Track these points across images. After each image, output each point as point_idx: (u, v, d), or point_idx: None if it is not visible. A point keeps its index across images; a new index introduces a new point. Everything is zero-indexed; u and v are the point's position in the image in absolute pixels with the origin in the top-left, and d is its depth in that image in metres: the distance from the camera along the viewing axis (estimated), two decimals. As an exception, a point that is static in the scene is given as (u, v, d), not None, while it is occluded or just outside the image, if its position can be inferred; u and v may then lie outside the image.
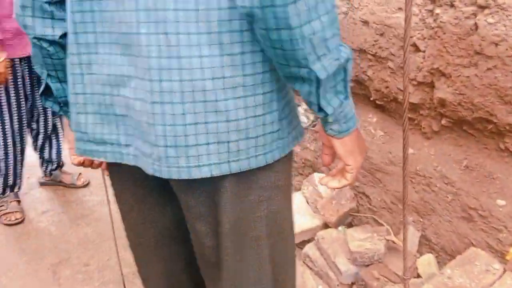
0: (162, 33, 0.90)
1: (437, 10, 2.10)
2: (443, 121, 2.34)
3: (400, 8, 2.28)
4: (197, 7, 0.88)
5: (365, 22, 2.49)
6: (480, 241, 2.15)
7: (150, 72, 0.93)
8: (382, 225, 2.66)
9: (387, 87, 2.52)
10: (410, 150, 2.47)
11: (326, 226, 2.81)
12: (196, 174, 0.98)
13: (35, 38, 1.12)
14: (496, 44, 1.93)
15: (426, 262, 2.42)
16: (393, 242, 2.48)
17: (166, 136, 0.96)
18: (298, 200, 2.99)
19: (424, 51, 2.25)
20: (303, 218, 2.87)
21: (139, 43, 0.93)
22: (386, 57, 2.44)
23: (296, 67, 0.88)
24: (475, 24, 1.97)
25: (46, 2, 1.06)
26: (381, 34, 2.42)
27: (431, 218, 2.38)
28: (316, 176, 2.96)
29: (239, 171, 1.01)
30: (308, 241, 2.81)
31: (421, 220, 2.44)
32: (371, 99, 2.71)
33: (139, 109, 0.98)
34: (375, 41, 2.47)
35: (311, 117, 3.08)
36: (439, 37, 2.15)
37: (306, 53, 0.84)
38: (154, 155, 0.99)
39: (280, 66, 0.92)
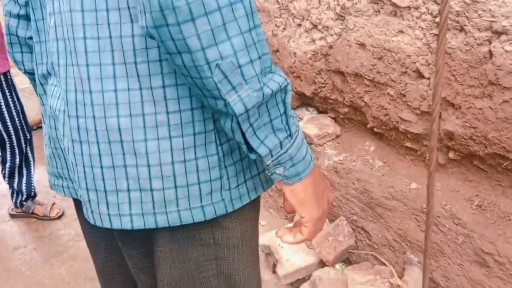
0: (75, 65, 0.81)
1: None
2: (451, 154, 2.13)
3: (401, 31, 2.06)
4: (110, 34, 0.77)
5: (361, 45, 2.26)
6: (497, 289, 1.94)
7: (68, 107, 0.84)
8: (383, 263, 2.44)
9: (386, 114, 2.30)
10: (414, 185, 2.25)
11: (322, 263, 2.58)
12: (117, 224, 0.86)
13: (26, 72, 1.09)
14: (514, 74, 1.72)
15: (435, 307, 2.20)
16: (398, 286, 2.26)
17: (86, 178, 0.86)
18: (290, 233, 2.75)
19: (428, 78, 2.03)
20: (296, 255, 2.63)
21: (60, 75, 0.86)
22: (385, 82, 2.22)
23: (211, 98, 0.74)
24: (489, 51, 1.76)
25: (29, 38, 1.02)
26: (379, 58, 2.20)
27: (439, 260, 2.16)
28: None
29: (168, 225, 0.86)
30: (303, 279, 2.58)
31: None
32: (368, 126, 2.48)
33: (66, 146, 0.91)
34: (372, 65, 2.25)
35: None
36: (446, 63, 1.93)
37: (216, 81, 0.70)
38: (82, 197, 0.90)
39: (199, 97, 0.78)
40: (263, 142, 0.78)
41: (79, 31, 0.78)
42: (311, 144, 2.75)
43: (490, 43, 1.75)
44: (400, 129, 2.26)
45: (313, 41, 2.50)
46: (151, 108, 0.80)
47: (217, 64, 0.69)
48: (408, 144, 2.30)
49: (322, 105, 2.75)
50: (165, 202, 0.84)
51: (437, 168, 2.24)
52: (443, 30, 1.22)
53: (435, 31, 1.93)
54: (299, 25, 2.55)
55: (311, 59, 2.55)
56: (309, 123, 2.77)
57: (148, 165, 0.82)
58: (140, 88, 0.79)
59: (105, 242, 1.16)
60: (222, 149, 0.86)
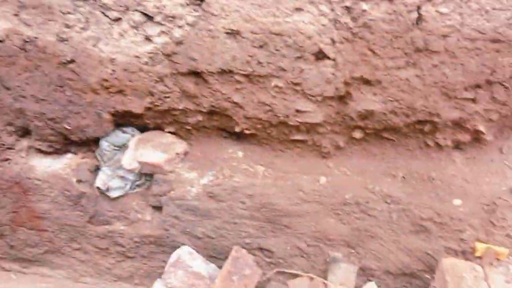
0: None
1: (364, 6, 1.60)
2: (357, 134, 1.94)
3: (298, 9, 1.65)
4: None
5: (232, 34, 1.72)
6: (439, 250, 1.96)
7: None
8: (295, 275, 2.13)
9: (269, 110, 1.88)
10: (323, 179, 1.98)
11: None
12: None
13: None
14: (445, 36, 1.63)
15: (370, 292, 2.10)
16: None
17: None
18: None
19: (334, 59, 1.73)
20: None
21: None
22: (269, 74, 1.79)
23: None
24: (419, 17, 1.60)
25: None
26: (261, 47, 1.73)
27: (369, 245, 2.02)
28: (186, 252, 2.09)
29: None
30: None
31: (354, 251, 2.06)
32: (236, 130, 2.00)
33: None
34: (250, 56, 1.76)
35: (131, 176, 2.09)
36: (362, 38, 1.67)
37: None
38: None
39: None
40: None
41: None
42: (156, 174, 2.05)
43: (420, 8, 1.59)
44: (289, 123, 1.90)
45: (148, 38, 1.76)
46: None
47: None
48: (298, 137, 1.98)
49: (156, 121, 2.04)
50: None
51: (334, 153, 2.03)
52: None
53: (348, 3, 1.62)
54: (118, 19, 1.74)
55: (146, 63, 1.80)
56: (141, 148, 2.03)
57: None
58: None
59: None
60: None
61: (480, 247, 1.92)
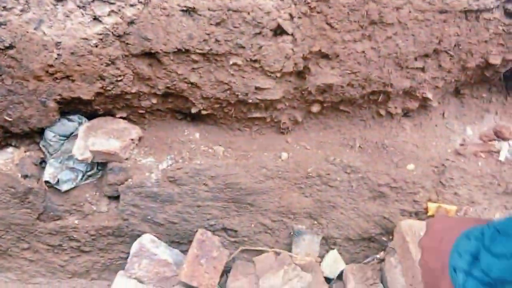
0: None
1: (322, -21, 1.61)
2: (314, 108, 1.97)
3: (256, -17, 1.62)
4: None
5: (188, 11, 1.66)
6: (395, 213, 2.07)
7: None
8: (261, 252, 2.15)
9: (227, 89, 1.85)
10: (284, 155, 1.99)
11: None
12: None
13: None
14: (398, 9, 1.69)
15: (332, 260, 2.17)
16: (308, 264, 2.08)
17: None
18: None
19: (292, 34, 1.73)
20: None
21: None
22: (227, 52, 1.75)
23: None
24: (375, -11, 1.64)
25: None
26: (219, 24, 1.69)
27: (330, 215, 2.08)
28: (149, 239, 2.03)
29: None
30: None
31: (318, 222, 2.11)
32: (193, 111, 1.95)
33: None
34: (207, 34, 1.71)
35: (81, 167, 1.98)
36: (320, 13, 1.68)
37: None
38: None
39: None
40: None
41: None
42: (110, 162, 1.95)
43: (375, -20, 1.63)
44: (248, 101, 1.89)
45: (97, 19, 1.64)
46: None
47: None
48: (256, 115, 1.97)
49: (106, 106, 1.93)
50: None
51: (292, 128, 2.05)
52: None
53: (306, -23, 1.62)
54: (60, 0, 1.60)
55: (96, 46, 1.68)
56: (92, 136, 1.92)
57: None
58: None
59: None
60: None
61: (432, 206, 2.05)
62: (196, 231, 2.06)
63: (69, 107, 1.90)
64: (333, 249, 2.18)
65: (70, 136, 1.97)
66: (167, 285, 2.05)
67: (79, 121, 1.97)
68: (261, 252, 2.14)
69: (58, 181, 1.95)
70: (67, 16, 1.62)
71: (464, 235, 0.69)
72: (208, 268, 1.99)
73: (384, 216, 2.07)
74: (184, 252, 2.15)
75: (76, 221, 2.04)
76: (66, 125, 1.96)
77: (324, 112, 2.00)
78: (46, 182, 1.94)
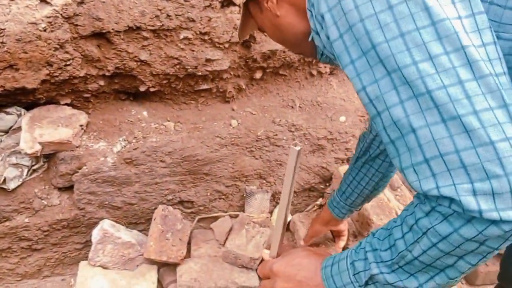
0: None
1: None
2: (257, 75, 2.09)
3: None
4: None
5: (141, -13, 1.64)
6: (331, 162, 2.31)
7: None
8: (216, 218, 2.25)
9: (177, 64, 1.88)
10: (234, 122, 2.09)
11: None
12: None
13: None
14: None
15: (280, 213, 2.36)
16: (264, 221, 2.23)
17: None
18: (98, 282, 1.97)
19: (239, 5, 1.81)
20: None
21: None
22: (177, 26, 1.77)
23: None
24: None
25: None
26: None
27: (277, 173, 2.25)
28: (109, 224, 1.99)
29: None
30: None
31: (266, 181, 2.26)
32: (141, 89, 1.94)
33: None
34: (159, 10, 1.71)
35: (25, 161, 1.85)
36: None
37: None
38: None
39: None
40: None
41: None
42: (60, 152, 1.86)
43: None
44: (197, 73, 1.93)
45: (45, 1, 1.53)
46: None
47: None
48: (203, 86, 2.03)
49: (50, 94, 1.81)
50: None
51: (236, 96, 2.15)
52: None
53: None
54: None
55: (45, 30, 1.57)
56: (37, 127, 1.80)
57: None
58: None
59: None
60: None
61: (361, 151, 2.33)
62: (155, 208, 2.08)
63: (8, 99, 1.76)
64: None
65: (10, 131, 1.83)
66: (132, 266, 2.05)
67: (17, 113, 1.83)
68: (216, 218, 2.24)
69: (4, 179, 1.80)
70: (12, 0, 1.49)
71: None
72: (175, 241, 2.03)
73: (322, 166, 2.30)
74: (142, 231, 2.16)
75: (27, 220, 1.91)
76: (4, 119, 1.81)
77: (264, 78, 2.13)
78: (-9, 182, 1.79)
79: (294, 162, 0.98)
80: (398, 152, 0.74)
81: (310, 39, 0.96)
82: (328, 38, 0.81)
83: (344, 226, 1.96)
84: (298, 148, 0.95)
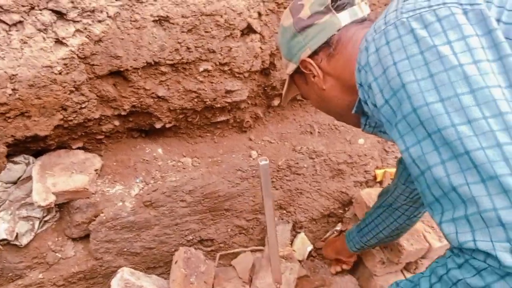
0: None
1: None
2: (276, 102, 2.00)
3: (231, -15, 1.56)
4: None
5: (161, 21, 1.53)
6: (350, 186, 2.24)
7: None
8: (237, 254, 2.14)
9: (195, 97, 1.77)
10: (254, 153, 1.99)
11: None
12: None
13: None
14: None
15: (301, 243, 2.28)
16: (290, 255, 2.13)
17: None
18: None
19: (260, 33, 1.72)
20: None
21: None
22: (197, 59, 1.67)
23: None
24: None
25: None
26: (190, 31, 1.59)
27: (298, 202, 2.16)
28: (128, 273, 1.84)
29: None
30: None
31: (287, 211, 2.17)
32: (157, 126, 1.82)
33: None
34: (179, 43, 1.60)
35: (36, 213, 1.70)
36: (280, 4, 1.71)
37: None
38: None
39: None
40: None
41: None
42: (74, 201, 1.71)
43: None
44: (216, 105, 1.83)
45: (61, 42, 1.39)
46: None
47: None
48: (221, 118, 1.92)
49: (61, 139, 1.66)
50: None
51: (253, 124, 2.05)
52: None
53: (276, -25, 1.61)
54: (18, 23, 1.31)
55: (60, 73, 1.43)
56: (49, 175, 1.65)
57: None
58: None
59: None
60: None
61: (379, 173, 2.27)
62: (174, 250, 1.95)
63: (17, 148, 1.61)
64: (300, 232, 2.27)
65: (18, 181, 1.67)
66: (154, 314, 1.92)
67: (25, 161, 1.68)
68: (237, 254, 2.13)
69: (16, 235, 1.64)
70: (25, 43, 1.36)
71: None
72: (199, 285, 1.91)
73: (341, 191, 2.23)
74: (160, 275, 2.03)
75: (40, 275, 1.76)
76: (12, 170, 1.65)
77: (281, 104, 2.04)
78: (3, 240, 1.63)
79: (268, 176, 1.05)
80: (443, 209, 0.76)
81: (354, 111, 1.04)
82: (375, 105, 0.87)
83: (352, 258, 2.09)
84: (266, 162, 0.99)
